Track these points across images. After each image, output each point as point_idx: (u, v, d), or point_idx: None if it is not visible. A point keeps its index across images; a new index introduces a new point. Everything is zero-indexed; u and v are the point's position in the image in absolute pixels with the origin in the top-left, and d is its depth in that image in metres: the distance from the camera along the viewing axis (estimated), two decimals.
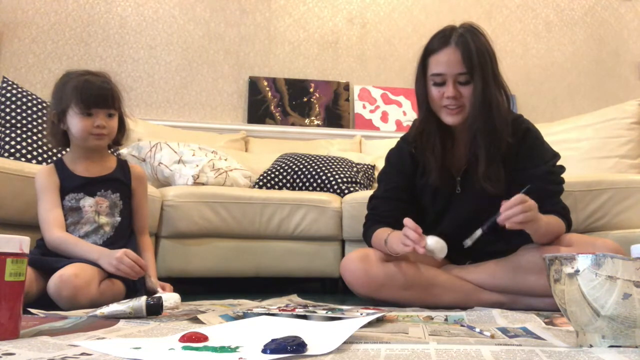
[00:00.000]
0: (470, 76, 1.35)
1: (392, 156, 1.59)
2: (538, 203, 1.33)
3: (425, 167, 1.48)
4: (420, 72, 1.43)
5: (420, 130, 1.47)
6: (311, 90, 3.30)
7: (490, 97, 1.35)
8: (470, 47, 1.34)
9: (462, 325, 0.97)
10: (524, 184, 1.32)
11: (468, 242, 1.32)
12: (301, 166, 2.40)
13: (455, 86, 1.36)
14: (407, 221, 1.30)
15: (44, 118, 2.09)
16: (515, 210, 1.21)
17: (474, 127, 1.38)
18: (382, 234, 1.44)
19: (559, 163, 1.49)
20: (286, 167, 2.41)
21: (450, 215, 1.50)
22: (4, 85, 2.10)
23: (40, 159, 1.98)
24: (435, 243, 1.26)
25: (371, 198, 1.60)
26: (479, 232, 1.30)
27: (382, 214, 1.52)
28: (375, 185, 2.53)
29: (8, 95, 2.07)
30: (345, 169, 2.40)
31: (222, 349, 0.69)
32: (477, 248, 1.49)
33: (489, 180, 1.38)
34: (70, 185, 1.46)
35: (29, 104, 2.08)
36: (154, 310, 1.06)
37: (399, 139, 1.61)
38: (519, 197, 1.22)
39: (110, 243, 1.43)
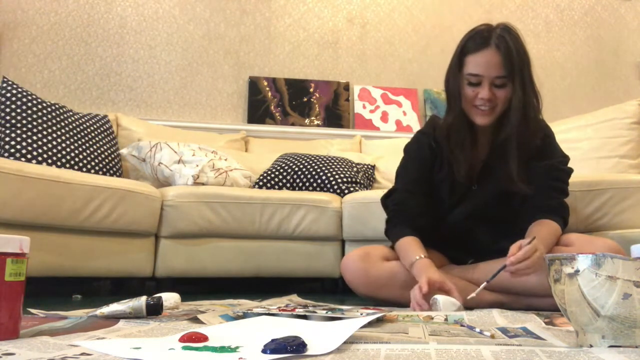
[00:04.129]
0: (509, 80, 1.34)
1: (411, 149, 1.57)
2: (537, 198, 1.36)
3: (444, 161, 1.48)
4: (455, 69, 1.40)
5: (448, 125, 1.45)
6: (311, 90, 3.30)
7: (528, 102, 1.36)
8: (511, 50, 1.32)
9: (462, 325, 0.97)
10: (530, 178, 1.38)
11: (473, 295, 1.27)
12: (301, 166, 2.40)
13: (491, 88, 1.35)
14: (415, 291, 1.28)
15: (44, 118, 2.09)
16: (526, 265, 1.22)
17: (509, 130, 1.38)
18: (410, 248, 1.41)
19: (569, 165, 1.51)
20: (286, 167, 2.41)
21: (461, 209, 1.50)
22: (4, 85, 2.10)
23: (40, 159, 1.98)
24: (445, 301, 1.25)
25: (391, 191, 1.57)
26: (483, 284, 1.27)
27: (410, 210, 1.49)
28: (376, 185, 2.57)
29: (8, 95, 2.07)
30: (345, 169, 2.40)
31: (222, 349, 0.69)
32: (479, 248, 1.50)
33: (522, 181, 1.39)
34: None
35: (29, 104, 2.09)
36: (154, 310, 1.06)
37: (416, 132, 1.61)
38: (527, 250, 1.22)
39: None
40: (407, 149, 1.58)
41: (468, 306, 1.27)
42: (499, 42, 1.33)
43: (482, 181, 1.48)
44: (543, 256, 1.16)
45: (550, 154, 1.46)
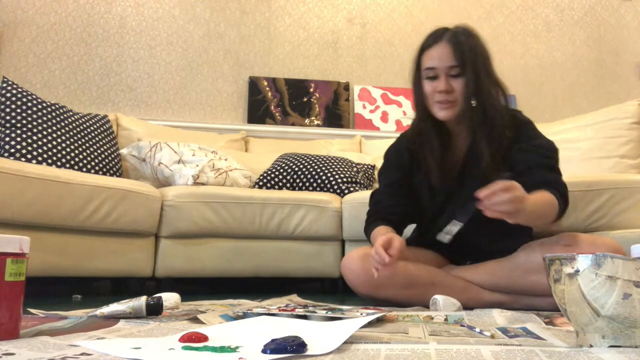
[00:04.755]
0: (462, 69, 1.37)
1: (390, 153, 1.61)
2: (526, 176, 1.29)
3: (420, 166, 1.49)
4: (415, 70, 1.46)
5: (418, 131, 1.49)
6: (311, 90, 3.30)
7: (482, 91, 1.37)
8: (461, 42, 1.38)
9: (462, 325, 0.97)
10: (512, 158, 1.33)
11: (446, 237, 1.25)
12: (301, 166, 2.40)
13: (447, 80, 1.38)
14: (377, 246, 1.27)
15: (44, 118, 2.09)
16: (500, 198, 1.07)
17: (467, 120, 1.39)
18: (378, 232, 1.44)
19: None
20: (286, 167, 2.41)
21: (448, 213, 1.50)
22: (4, 85, 2.10)
23: (40, 159, 1.98)
24: (445, 301, 1.25)
25: (373, 194, 1.62)
26: (456, 225, 1.22)
27: (384, 209, 1.53)
28: (376, 185, 2.57)
29: (8, 95, 2.07)
30: (345, 169, 2.40)
31: (222, 349, 0.69)
32: (473, 251, 1.50)
33: (496, 172, 1.36)
34: None
35: (29, 104, 2.08)
36: (154, 310, 1.06)
37: (399, 136, 1.63)
38: (504, 183, 1.08)
39: None
40: (386, 153, 1.62)
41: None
42: (451, 36, 1.39)
43: (462, 183, 1.47)
44: (525, 200, 1.09)
45: (534, 137, 1.44)
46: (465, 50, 1.37)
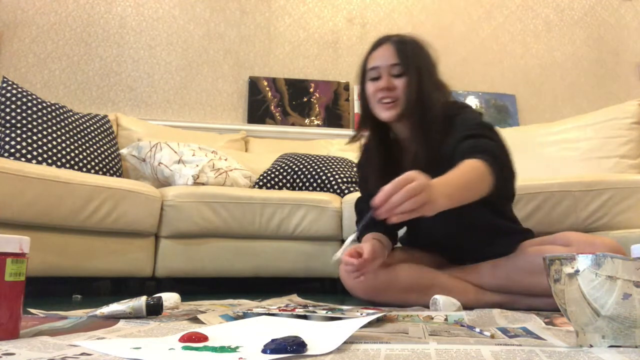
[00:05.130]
0: (404, 68, 1.37)
1: (359, 165, 1.64)
2: (453, 158, 1.17)
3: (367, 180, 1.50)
4: (361, 78, 1.46)
5: (365, 144, 1.51)
6: (311, 90, 3.30)
7: (423, 91, 1.35)
8: (405, 43, 1.40)
9: (462, 325, 0.97)
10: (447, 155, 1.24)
11: (337, 255, 1.10)
12: (301, 166, 2.40)
13: (389, 78, 1.38)
14: (345, 258, 1.28)
15: (44, 118, 2.09)
16: (397, 199, 0.92)
17: (408, 120, 1.38)
18: (364, 239, 1.45)
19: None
20: (286, 167, 2.41)
21: (420, 221, 1.47)
22: (4, 85, 2.10)
23: (40, 159, 1.98)
24: (445, 301, 1.25)
25: (356, 204, 1.62)
26: (349, 239, 1.06)
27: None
28: None
29: (8, 95, 2.07)
30: (345, 169, 2.40)
31: (222, 349, 0.69)
32: (466, 255, 1.49)
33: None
34: None
35: (29, 104, 2.09)
36: (154, 310, 1.06)
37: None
38: (397, 181, 0.93)
39: None
40: (357, 166, 1.65)
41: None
42: (395, 39, 1.42)
43: None
44: (429, 187, 0.94)
45: (463, 120, 1.34)
46: (408, 50, 1.38)
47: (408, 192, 0.92)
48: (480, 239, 1.43)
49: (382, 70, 1.39)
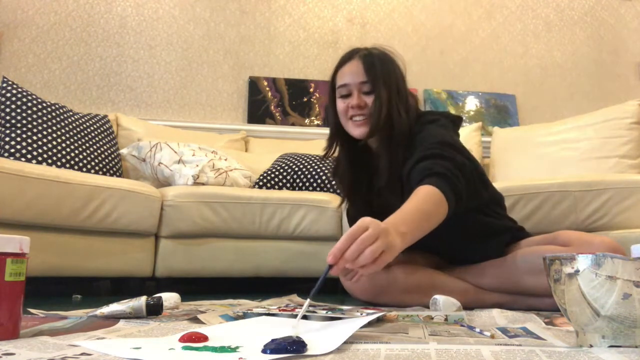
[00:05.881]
0: (373, 85, 1.36)
1: (333, 174, 1.61)
2: (412, 173, 1.15)
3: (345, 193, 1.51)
4: (330, 91, 1.45)
5: (336, 159, 1.49)
6: (311, 90, 3.30)
7: (391, 108, 1.34)
8: (373, 59, 1.38)
9: (462, 325, 0.97)
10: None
11: (295, 322, 0.93)
12: (301, 166, 2.40)
13: (360, 95, 1.37)
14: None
15: (44, 118, 2.09)
16: (351, 253, 0.82)
17: (375, 135, 1.35)
18: None
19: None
20: (286, 167, 2.41)
21: None
22: (4, 85, 2.10)
23: (40, 159, 1.98)
24: (445, 301, 1.25)
25: (347, 212, 1.62)
26: (306, 303, 0.87)
27: (355, 219, 1.53)
28: None
29: (8, 95, 2.08)
30: None
31: (222, 349, 0.69)
32: (459, 256, 1.49)
33: (390, 192, 1.31)
34: None
35: (29, 104, 2.09)
36: (154, 310, 1.06)
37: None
38: (350, 233, 0.84)
39: None
40: (332, 173, 1.64)
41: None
42: (363, 53, 1.40)
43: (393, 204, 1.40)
44: (386, 232, 0.86)
45: (424, 139, 1.28)
46: (377, 66, 1.37)
47: (363, 242, 0.83)
48: (469, 239, 1.42)
49: (352, 88, 1.38)
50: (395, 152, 1.34)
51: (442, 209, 1.06)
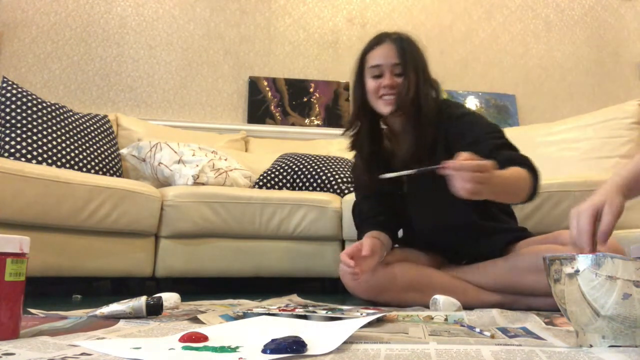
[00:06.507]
0: (404, 68, 1.45)
1: (352, 168, 1.69)
2: (492, 157, 1.24)
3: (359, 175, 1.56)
4: (357, 72, 1.55)
5: (357, 138, 1.55)
6: (311, 90, 3.30)
7: (420, 89, 1.44)
8: (404, 43, 1.48)
9: (462, 325, 0.97)
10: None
11: (386, 175, 1.19)
12: (301, 166, 2.40)
13: (392, 76, 1.46)
14: (342, 256, 1.33)
15: (44, 118, 2.09)
16: (470, 165, 1.02)
17: (404, 114, 1.45)
18: (366, 236, 1.47)
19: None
20: (286, 167, 2.41)
21: (414, 217, 1.53)
22: (4, 85, 2.10)
23: (40, 159, 1.98)
24: (445, 301, 1.26)
25: (354, 207, 1.67)
26: (406, 172, 1.14)
27: (367, 213, 1.57)
28: None
29: (8, 95, 2.07)
30: (345, 169, 2.40)
31: (222, 349, 0.69)
32: (460, 252, 1.50)
33: (416, 162, 1.35)
34: None
35: (29, 104, 2.08)
36: (154, 310, 1.06)
37: None
38: (473, 157, 1.04)
39: None
40: (351, 170, 1.71)
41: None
42: (393, 37, 1.49)
43: (412, 185, 1.51)
44: (490, 179, 1.03)
45: (470, 127, 1.42)
46: (407, 51, 1.46)
47: (480, 166, 1.02)
48: (467, 237, 1.46)
49: (385, 69, 1.46)
50: (423, 131, 1.44)
51: (525, 193, 1.24)
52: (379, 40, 1.50)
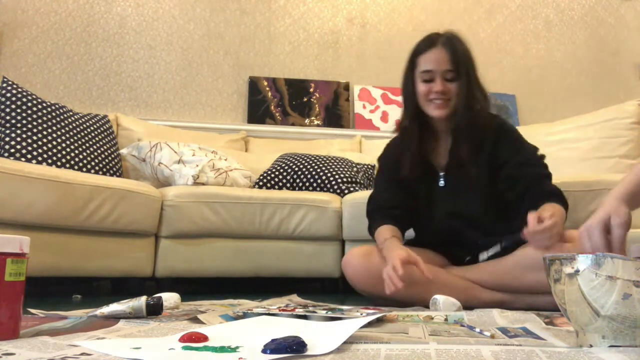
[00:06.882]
0: (456, 73, 1.47)
1: (381, 157, 1.71)
2: (532, 185, 1.42)
3: (400, 161, 1.58)
4: (408, 72, 1.55)
5: (403, 127, 1.59)
6: (311, 90, 3.30)
7: (472, 94, 1.47)
8: (456, 48, 1.50)
9: (462, 325, 0.97)
10: (514, 174, 1.45)
11: (484, 256, 1.42)
12: (301, 166, 2.40)
13: (443, 82, 1.47)
14: (389, 271, 1.33)
15: (44, 118, 2.09)
16: (544, 236, 1.20)
17: (457, 120, 1.49)
18: (383, 233, 1.48)
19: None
20: (286, 167, 2.41)
21: (440, 210, 1.55)
22: (4, 85, 2.10)
23: (40, 159, 1.98)
24: (445, 301, 1.27)
25: (370, 197, 1.66)
26: (497, 247, 1.36)
27: (383, 204, 1.58)
28: None
29: (8, 95, 2.07)
30: (345, 169, 2.40)
31: (222, 349, 0.69)
32: (469, 246, 1.52)
33: (476, 165, 1.48)
34: None
35: (29, 104, 2.08)
36: (154, 310, 1.06)
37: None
38: (549, 223, 1.20)
39: None
40: (379, 159, 1.73)
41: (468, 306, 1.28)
42: (446, 41, 1.50)
43: (449, 179, 1.55)
44: (561, 227, 1.23)
45: (523, 146, 1.54)
46: (460, 56, 1.48)
47: (552, 227, 1.19)
48: (481, 233, 1.49)
49: (436, 74, 1.48)
50: (470, 136, 1.49)
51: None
52: (430, 43, 1.50)
